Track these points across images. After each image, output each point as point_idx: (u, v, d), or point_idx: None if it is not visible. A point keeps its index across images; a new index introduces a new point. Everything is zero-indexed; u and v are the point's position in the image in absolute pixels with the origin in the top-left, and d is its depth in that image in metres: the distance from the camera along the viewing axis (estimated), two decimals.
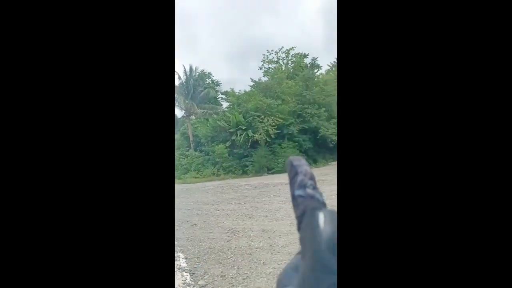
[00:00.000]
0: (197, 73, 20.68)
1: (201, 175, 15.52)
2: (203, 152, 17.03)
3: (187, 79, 19.98)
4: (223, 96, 20.62)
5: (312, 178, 0.22)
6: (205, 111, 18.32)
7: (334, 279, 0.17)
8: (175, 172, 16.95)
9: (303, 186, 0.21)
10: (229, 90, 19.39)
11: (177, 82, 19.92)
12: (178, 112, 22.41)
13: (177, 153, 18.40)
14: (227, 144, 15.46)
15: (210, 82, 21.68)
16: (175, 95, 19.53)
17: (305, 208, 0.20)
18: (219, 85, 22.05)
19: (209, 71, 22.05)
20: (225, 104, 19.98)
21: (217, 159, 15.67)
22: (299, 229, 0.20)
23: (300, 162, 0.23)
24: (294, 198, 0.22)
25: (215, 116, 17.13)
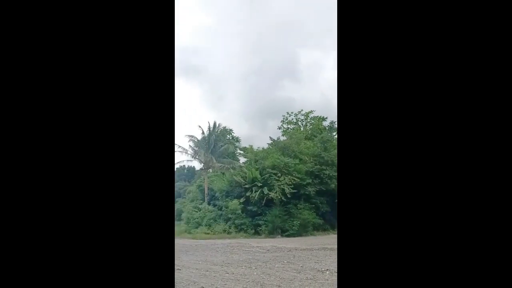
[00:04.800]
0: (219, 129, 21.88)
1: (212, 231, 14.93)
2: (216, 207, 16.72)
3: (209, 134, 21.08)
4: (241, 152, 21.22)
5: None
6: (223, 165, 18.70)
7: None
8: (187, 225, 16.42)
9: None
10: (247, 146, 20.05)
11: (199, 136, 21.01)
12: (197, 165, 22.95)
13: (190, 206, 18.18)
14: (241, 200, 15.20)
15: (230, 138, 22.69)
16: (197, 148, 20.38)
17: None
18: (238, 141, 22.98)
19: (230, 128, 23.31)
20: (242, 160, 20.40)
21: (230, 215, 15.22)
22: None
23: None
24: None
25: (232, 170, 17.37)
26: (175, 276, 4.04)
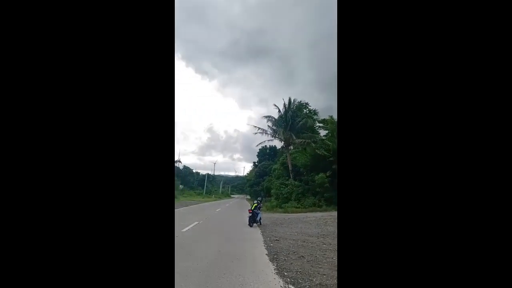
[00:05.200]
0: (295, 105, 21.54)
1: (302, 205, 15.26)
2: (302, 182, 16.89)
3: (285, 111, 21.07)
4: (321, 125, 20.38)
5: None
6: (303, 140, 18.48)
7: None
8: (277, 200, 17.35)
9: None
10: (327, 117, 19.04)
11: (276, 115, 21.31)
12: (278, 143, 23.55)
13: (277, 182, 18.99)
14: (328, 173, 14.78)
15: (307, 111, 22.06)
16: (275, 127, 20.80)
17: None
18: (316, 114, 22.11)
19: (306, 101, 22.60)
20: (323, 132, 19.61)
21: (318, 189, 15.11)
22: None
23: None
24: None
25: (313, 145, 16.98)
26: (275, 246, 4.29)
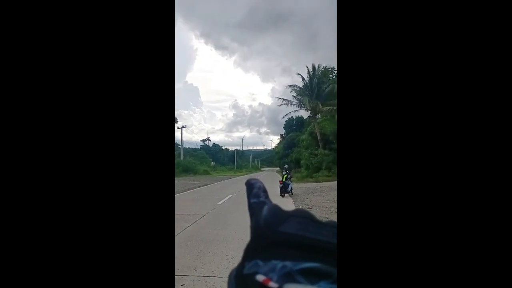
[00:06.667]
0: (320, 71, 20.50)
1: (333, 173, 15.14)
2: (332, 150, 16.57)
3: (310, 79, 20.19)
4: None
5: (265, 191, 0.26)
6: (331, 107, 17.78)
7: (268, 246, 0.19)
8: (307, 170, 17.39)
9: (257, 196, 0.26)
10: None
11: (300, 84, 20.55)
12: (304, 114, 23.02)
13: (306, 153, 18.88)
14: None
15: (334, 77, 20.90)
16: (300, 97, 20.17)
17: (256, 208, 0.24)
18: None
19: (331, 66, 21.33)
20: None
21: None
22: (250, 225, 0.24)
23: (256, 180, 0.28)
24: (250, 205, 0.26)
25: None
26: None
